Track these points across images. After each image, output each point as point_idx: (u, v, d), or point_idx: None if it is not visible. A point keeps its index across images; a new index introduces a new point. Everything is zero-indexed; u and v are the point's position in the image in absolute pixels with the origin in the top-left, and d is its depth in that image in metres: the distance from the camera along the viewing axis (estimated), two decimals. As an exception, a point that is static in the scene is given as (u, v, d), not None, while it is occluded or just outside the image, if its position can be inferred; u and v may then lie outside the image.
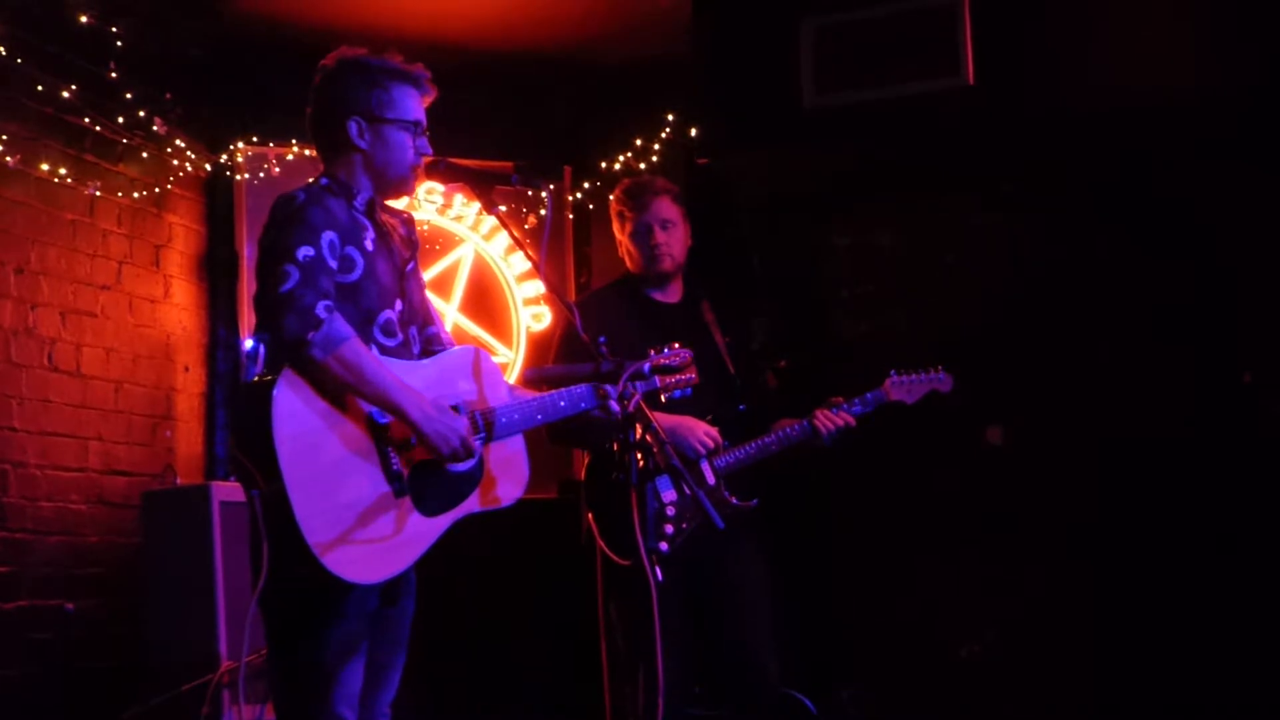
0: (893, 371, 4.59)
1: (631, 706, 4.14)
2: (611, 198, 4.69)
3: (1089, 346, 5.74)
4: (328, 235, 3.18)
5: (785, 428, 4.50)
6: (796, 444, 4.49)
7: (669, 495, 4.32)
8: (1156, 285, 5.66)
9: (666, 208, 4.57)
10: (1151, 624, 5.47)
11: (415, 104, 3.41)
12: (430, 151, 3.44)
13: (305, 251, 3.12)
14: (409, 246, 3.49)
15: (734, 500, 4.38)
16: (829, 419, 4.47)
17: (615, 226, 4.68)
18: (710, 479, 4.40)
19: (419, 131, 3.41)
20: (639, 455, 3.38)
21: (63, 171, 5.65)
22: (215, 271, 6.51)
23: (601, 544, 4.22)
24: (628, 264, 4.67)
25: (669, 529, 4.30)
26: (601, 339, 3.54)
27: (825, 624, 5.88)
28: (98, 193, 5.83)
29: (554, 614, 6.46)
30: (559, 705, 6.18)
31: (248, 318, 6.33)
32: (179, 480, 6.05)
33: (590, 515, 4.30)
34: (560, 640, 6.44)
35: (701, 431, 4.38)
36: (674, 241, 4.57)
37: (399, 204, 3.61)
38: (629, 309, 4.56)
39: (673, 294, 4.65)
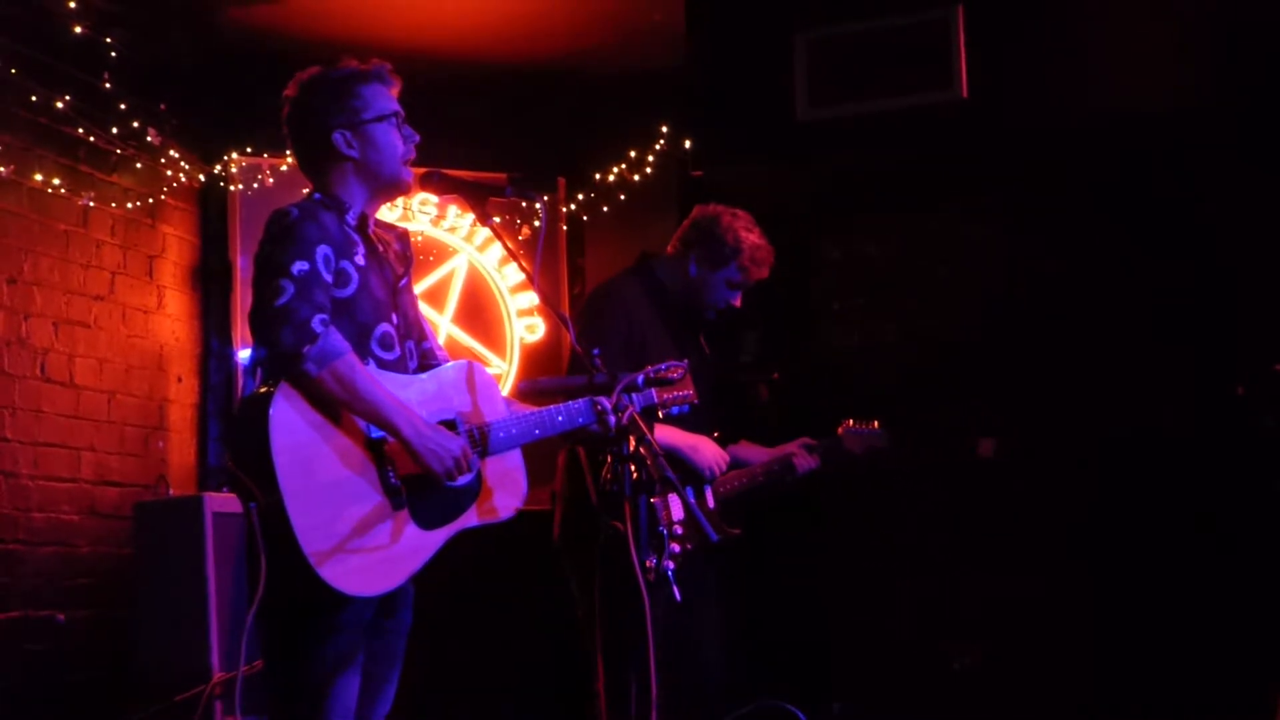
0: (845, 421, 4.82)
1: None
2: (747, 245, 4.57)
3: (1082, 358, 5.75)
4: (322, 249, 3.18)
5: (766, 466, 4.70)
6: (777, 478, 4.72)
7: (677, 514, 4.36)
8: (1153, 292, 5.67)
9: None
10: (1151, 631, 5.48)
11: (387, 97, 3.40)
12: (417, 137, 3.43)
13: (300, 266, 3.12)
14: (403, 262, 3.49)
15: (729, 529, 4.50)
16: (805, 460, 4.72)
17: (714, 255, 4.58)
18: (711, 502, 4.53)
19: (401, 120, 3.40)
20: (633, 468, 3.37)
21: (56, 182, 5.64)
22: (208, 282, 6.51)
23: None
24: (684, 273, 4.61)
25: (674, 547, 4.32)
26: (595, 351, 3.54)
27: (818, 637, 5.87)
28: (91, 203, 5.83)
29: (548, 626, 6.46)
30: (553, 718, 6.17)
31: (241, 329, 6.32)
32: (171, 491, 6.04)
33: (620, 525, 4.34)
34: (555, 653, 6.43)
35: (717, 452, 4.52)
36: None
37: (392, 216, 3.60)
38: (657, 320, 4.57)
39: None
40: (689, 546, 4.35)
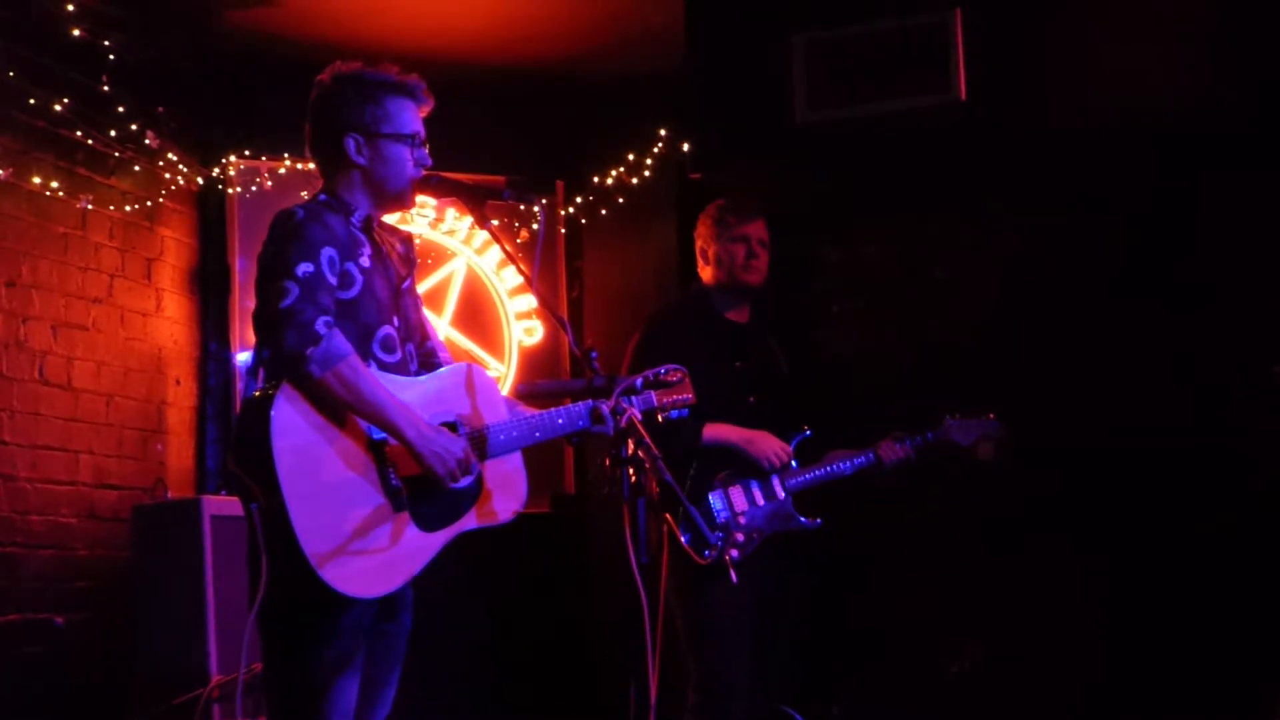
0: (948, 415, 4.83)
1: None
2: (715, 208, 4.86)
3: (1082, 360, 5.75)
4: (327, 251, 3.19)
5: (850, 458, 4.74)
6: (858, 469, 4.75)
7: (741, 505, 4.54)
8: (1152, 293, 5.66)
9: (764, 230, 4.84)
10: (1150, 633, 5.47)
11: (412, 116, 3.42)
12: (430, 162, 3.44)
13: (305, 268, 3.13)
14: (407, 265, 3.50)
15: (802, 519, 4.63)
16: (892, 450, 4.74)
17: (707, 234, 4.85)
18: (780, 494, 4.62)
19: (417, 143, 3.41)
20: (631, 471, 3.37)
21: (55, 185, 5.64)
22: (207, 285, 6.50)
23: (684, 544, 4.44)
24: (709, 274, 4.85)
25: (739, 537, 4.46)
26: (593, 353, 3.54)
27: (817, 639, 5.87)
28: (90, 206, 5.82)
29: (549, 627, 6.46)
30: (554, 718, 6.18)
31: (239, 331, 6.32)
32: (170, 494, 6.03)
33: (669, 518, 4.45)
34: (557, 653, 6.43)
35: (776, 445, 4.61)
36: (765, 262, 4.81)
37: (391, 218, 3.61)
38: (702, 327, 4.76)
39: (744, 314, 4.87)
40: (755, 536, 4.49)
